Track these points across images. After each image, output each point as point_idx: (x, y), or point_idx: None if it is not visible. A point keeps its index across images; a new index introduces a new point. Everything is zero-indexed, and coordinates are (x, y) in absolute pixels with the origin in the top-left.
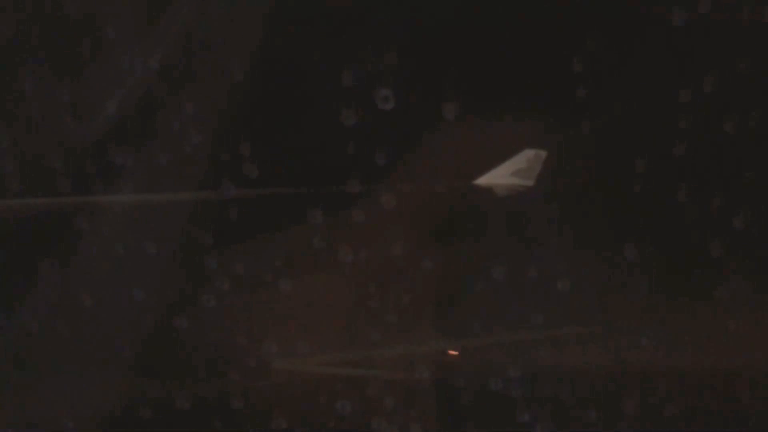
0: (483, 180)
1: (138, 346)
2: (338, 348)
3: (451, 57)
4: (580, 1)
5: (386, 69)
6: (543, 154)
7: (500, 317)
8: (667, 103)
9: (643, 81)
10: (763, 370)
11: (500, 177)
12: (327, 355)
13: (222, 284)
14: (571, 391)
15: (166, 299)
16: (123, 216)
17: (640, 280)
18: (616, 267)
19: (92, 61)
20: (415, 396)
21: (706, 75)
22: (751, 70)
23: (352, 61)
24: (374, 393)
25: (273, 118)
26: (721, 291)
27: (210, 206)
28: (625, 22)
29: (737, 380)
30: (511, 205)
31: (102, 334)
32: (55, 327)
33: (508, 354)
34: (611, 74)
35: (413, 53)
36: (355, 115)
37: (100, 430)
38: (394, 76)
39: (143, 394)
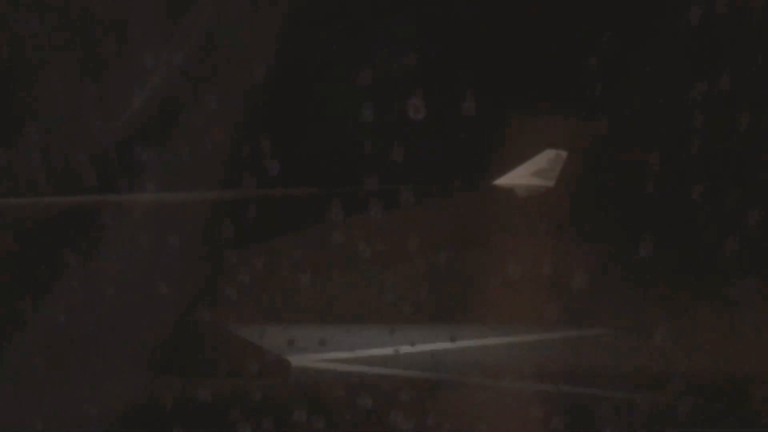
0: (503, 180)
1: (158, 340)
2: (357, 345)
3: (471, 57)
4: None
5: (407, 70)
6: (564, 154)
7: (517, 315)
8: (685, 102)
9: (665, 82)
10: None
11: (521, 177)
12: (345, 352)
13: (242, 281)
14: (588, 389)
15: (187, 296)
16: (146, 213)
17: (655, 278)
18: (631, 266)
19: (116, 60)
20: (431, 393)
21: (723, 74)
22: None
23: (371, 61)
24: (392, 390)
25: (294, 117)
26: (736, 289)
27: (231, 204)
28: (643, 23)
29: (752, 379)
30: (530, 204)
31: (122, 330)
32: (79, 321)
33: (523, 352)
34: (630, 75)
35: (433, 53)
36: (375, 114)
37: (117, 420)
38: (414, 76)
39: (163, 387)
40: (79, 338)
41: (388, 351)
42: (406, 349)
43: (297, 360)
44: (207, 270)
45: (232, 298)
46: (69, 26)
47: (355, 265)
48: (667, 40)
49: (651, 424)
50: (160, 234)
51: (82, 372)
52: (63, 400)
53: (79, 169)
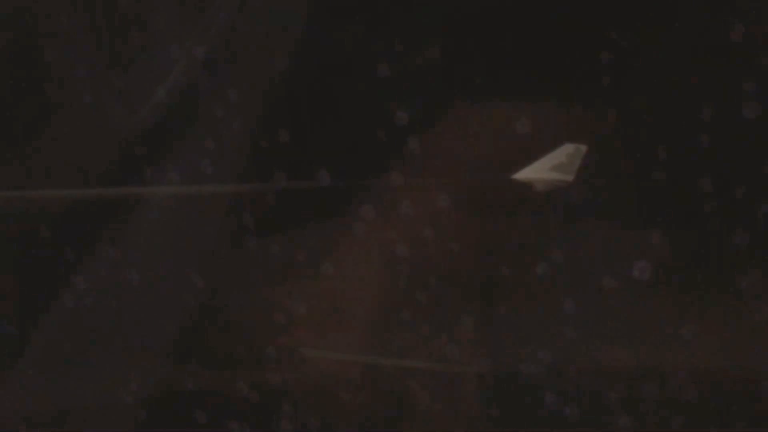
0: (521, 174)
1: (179, 330)
2: (378, 339)
3: (490, 49)
4: None
5: (426, 62)
6: (583, 148)
7: (536, 312)
8: (707, 94)
9: (688, 75)
10: None
11: (539, 171)
12: (366, 346)
13: (262, 273)
14: (609, 387)
15: (207, 287)
16: (168, 203)
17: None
18: (646, 261)
19: (140, 51)
20: (454, 388)
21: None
22: None
23: (393, 53)
24: (416, 384)
25: (317, 110)
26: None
27: (253, 196)
28: (661, 15)
29: (762, 377)
30: (548, 198)
31: (143, 320)
32: (101, 310)
33: (543, 349)
34: (653, 68)
35: (453, 44)
36: (395, 108)
37: (136, 408)
38: (434, 69)
39: (182, 376)
40: (101, 327)
41: (405, 344)
42: (423, 342)
43: (313, 352)
44: (227, 262)
45: (251, 289)
46: (91, 17)
47: (375, 258)
48: (685, 32)
49: (665, 420)
50: (183, 225)
51: (103, 359)
52: (84, 387)
53: (101, 160)
